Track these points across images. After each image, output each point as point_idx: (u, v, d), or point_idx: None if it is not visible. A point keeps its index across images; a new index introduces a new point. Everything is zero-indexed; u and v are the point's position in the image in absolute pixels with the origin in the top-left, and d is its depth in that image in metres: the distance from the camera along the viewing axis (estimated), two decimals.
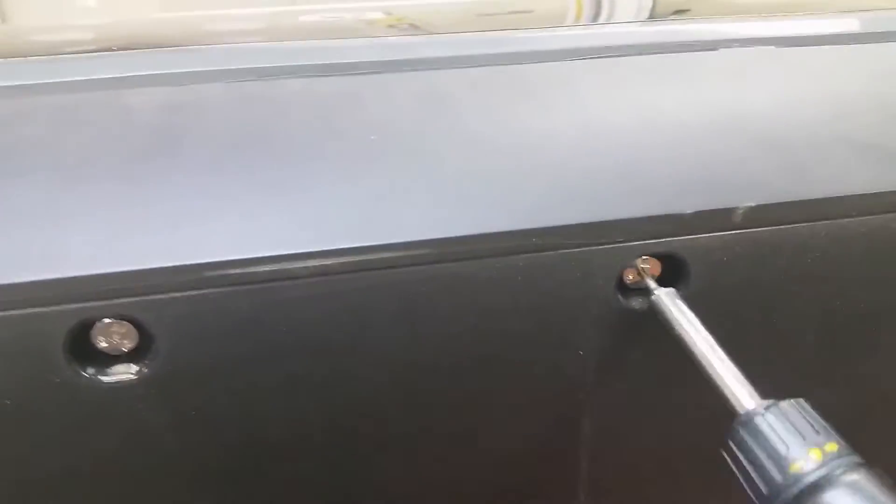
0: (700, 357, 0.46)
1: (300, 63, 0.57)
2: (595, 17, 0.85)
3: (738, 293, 0.54)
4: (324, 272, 0.47)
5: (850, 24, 0.68)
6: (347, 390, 0.51)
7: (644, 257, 0.51)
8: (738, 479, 0.42)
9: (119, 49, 0.62)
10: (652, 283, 0.51)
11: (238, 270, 0.46)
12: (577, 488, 0.60)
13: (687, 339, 0.47)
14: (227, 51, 0.59)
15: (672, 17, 0.88)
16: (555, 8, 0.94)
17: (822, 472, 0.38)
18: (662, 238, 0.51)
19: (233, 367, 0.49)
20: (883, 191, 0.53)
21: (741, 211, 0.51)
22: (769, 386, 0.45)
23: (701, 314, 0.49)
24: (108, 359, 0.48)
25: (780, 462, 0.39)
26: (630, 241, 0.50)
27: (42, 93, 0.55)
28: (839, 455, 0.39)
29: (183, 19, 0.76)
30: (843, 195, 0.53)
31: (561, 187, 0.51)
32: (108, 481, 0.52)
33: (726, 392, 0.44)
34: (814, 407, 0.42)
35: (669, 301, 0.49)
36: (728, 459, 0.42)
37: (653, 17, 0.88)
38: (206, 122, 0.51)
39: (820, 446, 0.39)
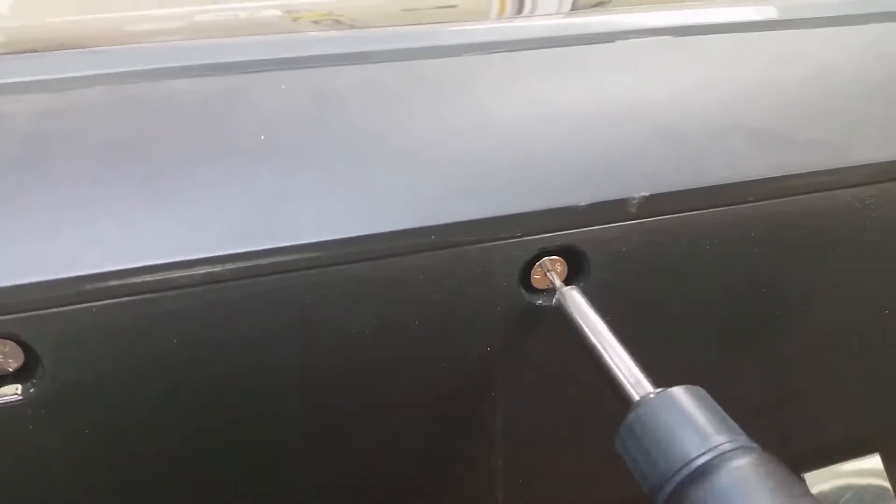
0: (596, 351, 0.46)
1: (187, 63, 0.55)
2: (518, 12, 0.85)
3: (639, 283, 0.54)
4: (211, 280, 0.46)
5: (747, 13, 0.69)
6: (244, 401, 0.50)
7: (553, 257, 0.51)
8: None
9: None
10: (557, 281, 0.51)
11: (119, 282, 0.44)
12: (494, 485, 0.60)
13: (584, 333, 0.47)
14: (108, 53, 0.57)
15: (592, 9, 0.89)
16: (478, 3, 0.94)
17: (709, 457, 0.37)
18: (561, 231, 0.51)
19: (123, 381, 0.47)
20: (775, 176, 0.54)
21: (635, 201, 0.51)
22: (671, 375, 0.45)
23: (603, 306, 0.49)
24: None
25: (668, 449, 0.38)
26: (528, 236, 0.50)
27: None
28: (729, 440, 0.38)
29: (82, 22, 0.74)
30: (736, 181, 0.53)
31: (457, 183, 0.50)
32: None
33: (619, 383, 0.44)
34: (705, 393, 0.42)
35: (570, 298, 0.49)
36: (620, 450, 0.42)
37: (575, 9, 0.88)
38: (81, 128, 0.49)
39: (709, 431, 0.39)
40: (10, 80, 0.53)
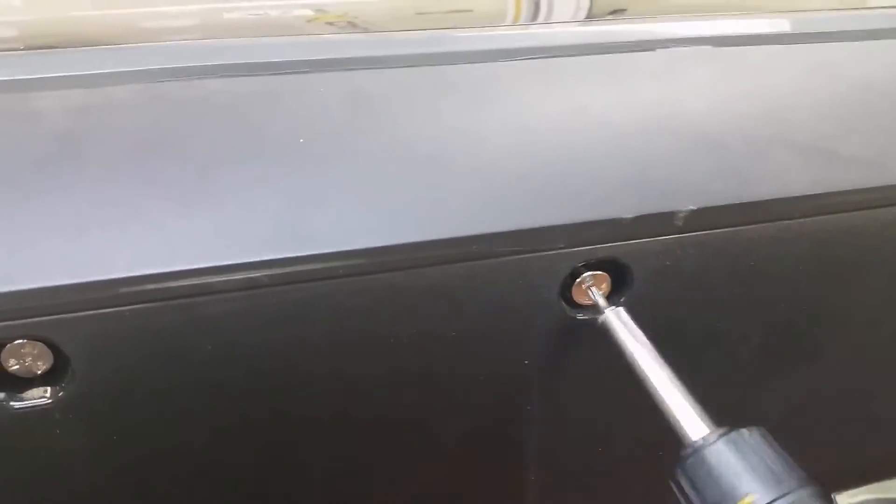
0: (649, 381, 0.44)
1: (220, 62, 0.54)
2: (534, 17, 0.84)
3: (683, 297, 0.53)
4: (250, 285, 0.44)
5: (784, 25, 0.68)
6: (280, 410, 0.49)
7: (594, 273, 0.50)
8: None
9: (37, 48, 0.58)
10: (601, 301, 0.49)
11: (155, 285, 0.43)
12: (525, 500, 0.59)
13: (636, 360, 0.46)
14: (143, 50, 0.56)
15: (609, 16, 0.88)
16: (494, 8, 0.93)
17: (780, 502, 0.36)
18: (604, 244, 0.50)
19: (155, 386, 0.46)
20: (819, 192, 0.53)
21: (682, 214, 0.50)
22: (713, 392, 0.44)
23: (645, 320, 0.48)
24: (21, 382, 0.45)
25: (730, 495, 0.37)
26: (571, 248, 0.49)
27: None
28: (798, 486, 0.37)
29: (102, 17, 0.72)
30: (781, 197, 0.52)
31: (498, 192, 0.49)
32: None
33: (676, 418, 0.42)
34: (766, 434, 0.40)
35: (619, 321, 0.48)
36: (675, 489, 0.40)
37: (590, 16, 0.87)
38: (114, 126, 0.48)
39: (774, 479, 0.37)
40: (42, 76, 0.52)
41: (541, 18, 0.82)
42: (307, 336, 0.47)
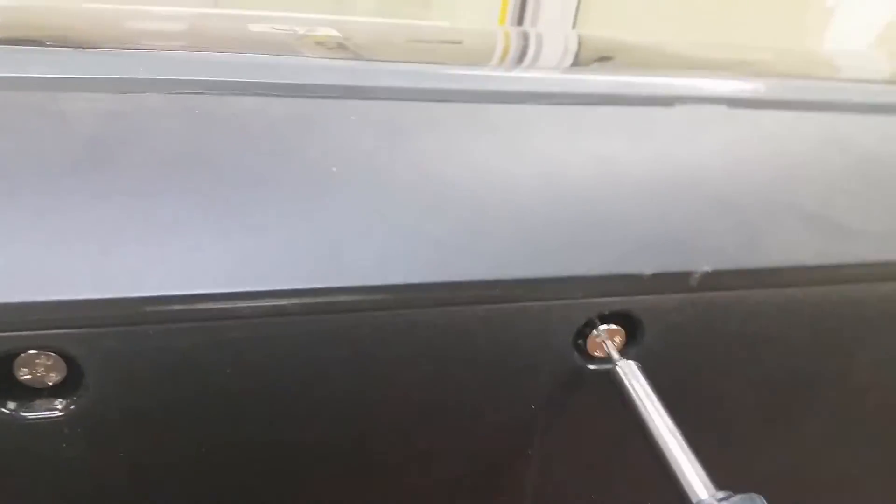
0: (654, 437, 0.45)
1: (250, 79, 0.54)
2: (524, 56, 0.85)
3: (689, 355, 0.54)
4: (275, 313, 0.44)
5: (794, 91, 0.70)
6: (293, 439, 0.49)
7: (613, 327, 0.51)
8: None
9: (53, 45, 0.57)
10: (615, 353, 0.50)
11: (181, 307, 0.43)
12: None
13: (644, 415, 0.47)
14: (174, 58, 0.55)
15: (595, 63, 0.90)
16: (481, 44, 0.94)
17: None
18: (620, 297, 0.51)
19: (169, 408, 0.45)
20: (827, 264, 0.55)
21: (698, 275, 0.51)
22: (716, 450, 0.45)
23: (653, 374, 0.49)
24: (32, 392, 0.44)
25: None
26: (588, 298, 0.50)
27: None
28: None
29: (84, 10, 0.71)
30: (791, 266, 0.54)
31: (523, 238, 0.50)
32: None
33: (677, 478, 0.43)
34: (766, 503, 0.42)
35: (630, 374, 0.49)
36: None
37: (577, 60, 0.89)
38: (146, 137, 0.48)
39: None
40: (71, 76, 0.51)
41: (528, 58, 0.84)
42: (326, 367, 0.47)
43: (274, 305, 0.44)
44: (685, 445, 0.45)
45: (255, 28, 0.79)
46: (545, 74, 0.66)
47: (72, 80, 0.51)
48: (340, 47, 0.75)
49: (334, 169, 0.49)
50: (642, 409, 0.47)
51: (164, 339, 0.43)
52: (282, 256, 0.44)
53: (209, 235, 0.44)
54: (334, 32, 0.79)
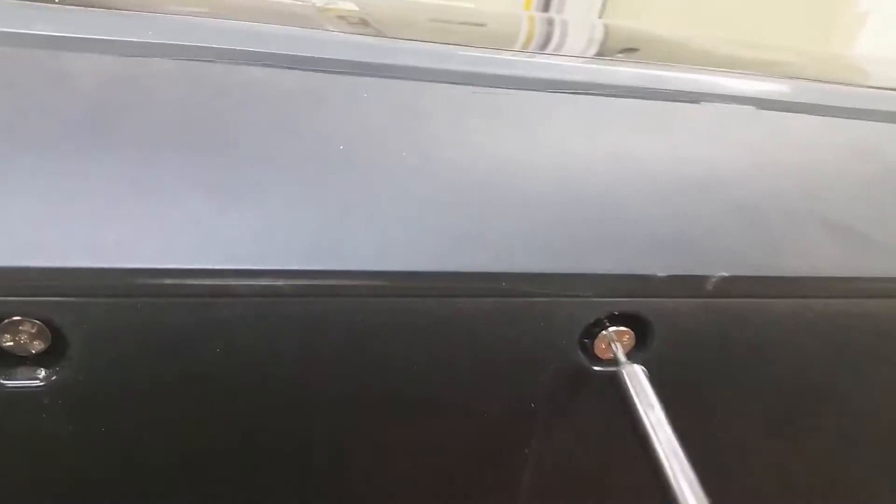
0: (652, 445, 0.43)
1: (265, 50, 0.52)
2: (547, 43, 0.83)
3: (699, 361, 0.52)
4: (270, 293, 0.42)
5: (824, 96, 0.67)
6: (281, 421, 0.47)
7: (621, 329, 0.49)
8: None
9: (60, 2, 0.55)
10: (621, 356, 0.48)
11: (174, 281, 0.41)
12: None
13: (644, 424, 0.44)
14: (185, 23, 0.53)
15: (621, 54, 0.87)
16: (505, 27, 0.92)
17: None
18: (630, 297, 0.49)
19: (154, 383, 0.44)
20: (849, 276, 0.53)
21: (714, 279, 0.49)
22: (716, 459, 0.43)
23: (659, 379, 0.47)
24: (13, 360, 0.42)
25: None
26: (598, 297, 0.48)
27: None
28: None
29: None
30: (812, 276, 0.51)
31: (533, 230, 0.48)
32: (3, 489, 0.46)
33: (671, 488, 0.41)
34: None
35: (635, 379, 0.47)
36: None
37: (604, 50, 0.86)
38: (151, 104, 0.46)
39: None
40: (75, 35, 0.49)
41: (552, 45, 0.81)
42: (319, 350, 0.45)
43: (269, 285, 0.42)
44: (683, 457, 0.43)
45: None
46: (567, 62, 0.64)
47: (76, 39, 0.49)
48: (362, 23, 0.73)
49: (341, 147, 0.47)
50: (643, 418, 0.45)
51: (153, 314, 0.41)
52: (280, 235, 0.43)
53: (207, 209, 0.42)
54: (355, 7, 0.77)
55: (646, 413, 0.45)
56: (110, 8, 0.56)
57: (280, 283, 0.42)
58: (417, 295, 0.45)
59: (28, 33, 0.49)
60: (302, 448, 0.49)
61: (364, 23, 0.73)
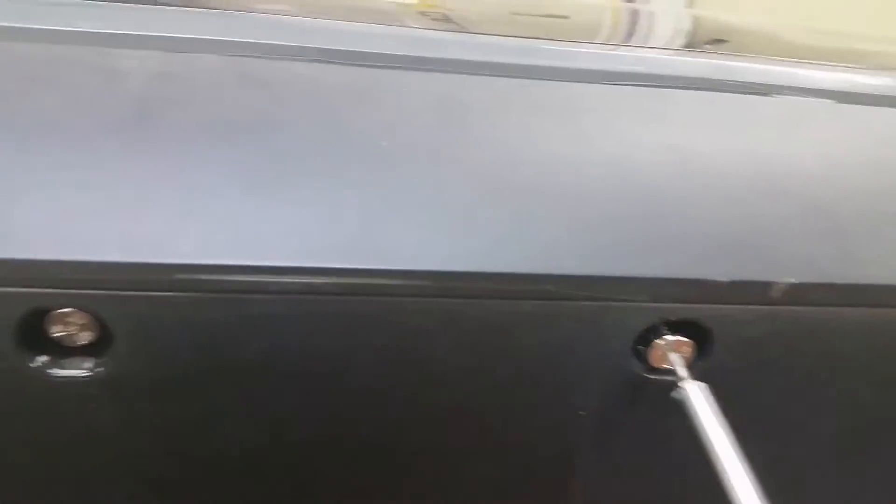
0: (721, 473, 0.40)
1: (310, 45, 0.51)
2: (630, 35, 0.79)
3: (764, 373, 0.49)
4: (308, 290, 0.42)
5: None
6: (317, 420, 0.47)
7: (681, 339, 0.46)
8: None
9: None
10: (682, 370, 0.45)
11: (213, 276, 0.41)
12: None
13: (711, 447, 0.41)
14: (230, 19, 0.53)
15: (708, 46, 0.83)
16: (591, 19, 0.89)
17: None
18: (688, 303, 0.46)
19: (195, 377, 0.44)
20: None
21: (781, 286, 0.45)
22: (787, 483, 0.40)
23: (720, 390, 0.44)
24: (61, 350, 0.43)
25: None
26: (653, 303, 0.46)
27: (12, 38, 0.48)
28: None
29: None
30: (887, 284, 0.47)
31: (583, 231, 0.45)
32: (48, 476, 0.48)
33: None
34: None
35: (700, 397, 0.44)
36: None
37: (690, 42, 0.82)
38: (198, 100, 0.46)
39: None
40: (122, 32, 0.49)
41: (637, 38, 0.78)
42: (354, 349, 0.44)
43: (307, 283, 0.42)
44: (754, 486, 0.39)
45: None
46: (629, 53, 0.61)
47: (121, 35, 0.49)
48: (444, 19, 0.72)
49: (384, 144, 0.46)
50: (708, 440, 0.42)
51: (192, 308, 0.42)
52: (319, 233, 0.42)
53: (246, 206, 0.42)
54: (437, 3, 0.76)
55: (711, 435, 0.42)
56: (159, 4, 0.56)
57: (317, 280, 0.41)
58: (458, 296, 0.44)
59: (72, 30, 0.50)
60: (335, 445, 0.48)
61: (446, 19, 0.72)
